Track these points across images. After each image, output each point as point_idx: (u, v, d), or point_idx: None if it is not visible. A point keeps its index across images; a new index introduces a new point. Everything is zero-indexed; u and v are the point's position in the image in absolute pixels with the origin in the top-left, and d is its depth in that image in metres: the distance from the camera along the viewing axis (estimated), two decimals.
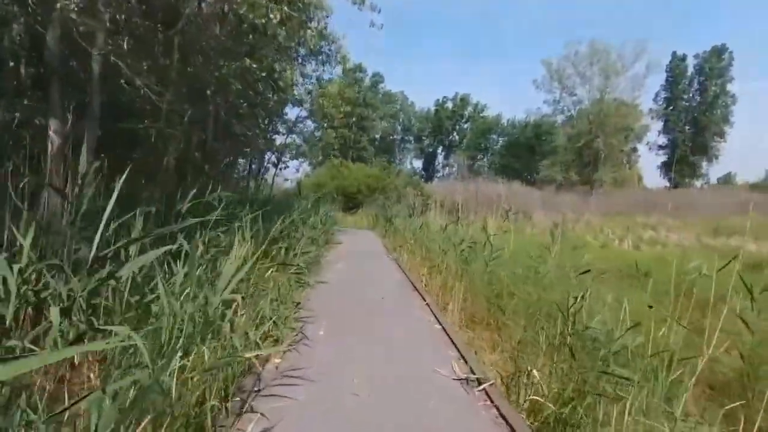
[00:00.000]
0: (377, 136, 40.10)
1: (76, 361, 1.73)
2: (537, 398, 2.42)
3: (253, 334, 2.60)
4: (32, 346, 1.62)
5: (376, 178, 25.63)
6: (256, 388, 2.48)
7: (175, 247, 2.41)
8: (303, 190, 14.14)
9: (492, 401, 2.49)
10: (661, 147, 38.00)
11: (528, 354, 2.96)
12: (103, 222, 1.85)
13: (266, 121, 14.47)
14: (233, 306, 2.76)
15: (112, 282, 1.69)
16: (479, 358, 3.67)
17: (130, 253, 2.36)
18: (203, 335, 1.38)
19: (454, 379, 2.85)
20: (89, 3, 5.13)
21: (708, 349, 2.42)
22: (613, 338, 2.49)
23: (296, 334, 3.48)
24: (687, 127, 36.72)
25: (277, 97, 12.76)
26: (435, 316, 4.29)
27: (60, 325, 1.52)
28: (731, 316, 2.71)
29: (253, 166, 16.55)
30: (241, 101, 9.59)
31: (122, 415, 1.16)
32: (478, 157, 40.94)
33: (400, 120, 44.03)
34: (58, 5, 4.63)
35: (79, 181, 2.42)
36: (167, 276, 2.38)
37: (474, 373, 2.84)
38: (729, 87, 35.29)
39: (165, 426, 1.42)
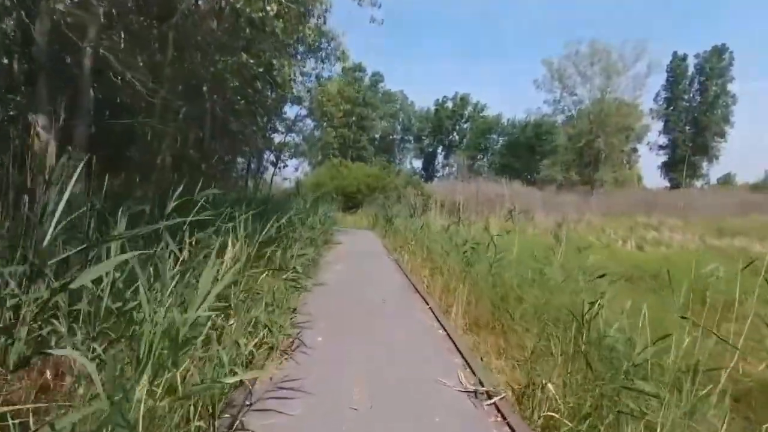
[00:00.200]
0: (377, 136, 39.90)
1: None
2: (553, 414, 2.23)
3: (245, 342, 2.41)
4: None
5: (375, 177, 25.43)
6: (247, 402, 2.29)
7: (148, 251, 2.22)
8: (302, 190, 13.95)
9: (503, 417, 2.31)
10: (661, 147, 37.90)
11: (540, 363, 2.76)
12: (53, 223, 1.65)
13: (265, 120, 14.28)
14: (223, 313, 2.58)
15: (61, 295, 1.49)
16: (485, 364, 3.49)
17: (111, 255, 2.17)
18: (174, 358, 1.20)
19: (460, 390, 2.66)
20: None
21: (734, 358, 2.24)
22: (634, 348, 2.30)
23: (292, 341, 3.29)
24: (687, 127, 36.59)
25: (275, 94, 12.57)
26: (438, 321, 4.10)
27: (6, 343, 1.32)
28: (753, 322, 2.53)
29: (252, 166, 16.37)
30: (238, 98, 9.39)
31: None
32: (478, 157, 40.76)
33: (400, 120, 43.83)
34: None
35: (47, 177, 2.22)
36: (152, 281, 2.19)
37: (482, 385, 2.65)
38: (729, 87, 35.23)
39: None
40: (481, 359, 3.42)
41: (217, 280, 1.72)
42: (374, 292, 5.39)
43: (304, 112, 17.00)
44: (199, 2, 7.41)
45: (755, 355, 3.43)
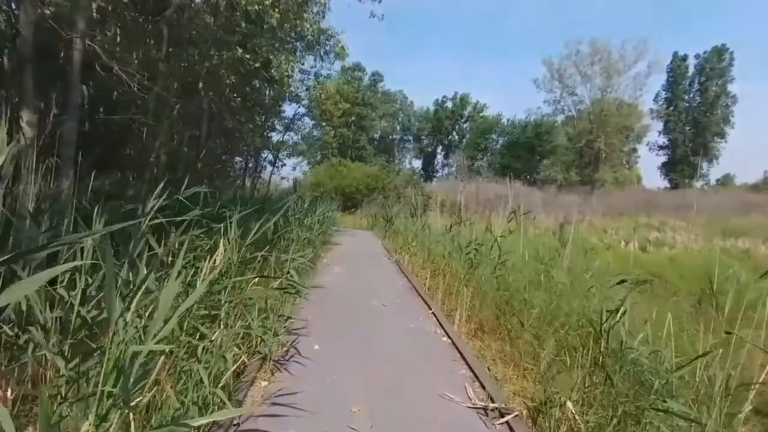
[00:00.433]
0: (376, 136, 39.68)
1: None
2: None
3: (234, 355, 2.20)
4: None
5: (375, 177, 25.22)
6: (235, 422, 2.07)
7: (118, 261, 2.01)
8: (300, 190, 13.72)
9: None
10: (661, 147, 37.78)
11: (554, 375, 2.56)
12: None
13: (263, 118, 14.07)
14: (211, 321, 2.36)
15: None
16: (493, 374, 3.29)
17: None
18: (125, 396, 1.00)
19: (469, 407, 2.46)
20: None
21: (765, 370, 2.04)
22: (661, 361, 2.10)
23: (287, 350, 3.08)
24: (687, 128, 36.48)
25: (273, 92, 12.35)
26: (442, 327, 3.89)
27: None
28: None
29: (250, 165, 16.16)
30: (235, 95, 9.17)
31: None
32: (478, 157, 40.57)
33: (399, 119, 43.62)
34: None
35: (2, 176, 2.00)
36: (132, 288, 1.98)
37: (493, 401, 2.44)
38: (729, 87, 35.14)
39: None
40: (489, 369, 3.22)
41: (187, 294, 1.51)
42: (374, 296, 5.18)
43: (302, 110, 16.80)
44: None
45: None
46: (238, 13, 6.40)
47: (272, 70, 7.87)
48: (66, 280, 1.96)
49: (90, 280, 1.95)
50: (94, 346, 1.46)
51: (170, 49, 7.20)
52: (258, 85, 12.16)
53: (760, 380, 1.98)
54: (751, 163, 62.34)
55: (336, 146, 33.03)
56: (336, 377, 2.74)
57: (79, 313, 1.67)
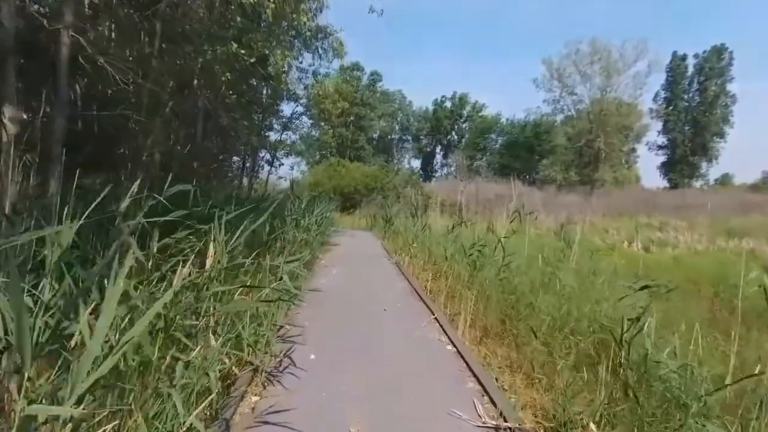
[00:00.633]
0: (375, 136, 39.47)
1: None
2: None
3: (219, 372, 1.99)
4: None
5: (374, 177, 25.01)
6: None
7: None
8: (298, 189, 13.51)
9: None
10: (660, 147, 37.72)
11: (572, 391, 2.35)
12: None
13: (261, 118, 13.85)
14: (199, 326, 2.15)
15: None
16: (500, 382, 3.09)
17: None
18: None
19: (479, 426, 2.25)
20: None
21: None
22: (690, 376, 1.90)
23: (280, 361, 2.87)
24: (687, 128, 36.42)
25: (270, 90, 12.13)
26: (446, 334, 3.68)
27: None
28: None
29: (247, 164, 15.94)
30: (231, 93, 8.95)
31: None
32: (477, 157, 40.42)
33: (398, 119, 43.42)
34: None
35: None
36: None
37: (505, 419, 2.23)
38: (729, 87, 35.09)
39: None
40: (497, 379, 3.02)
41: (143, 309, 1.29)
42: (374, 300, 4.97)
43: (300, 109, 16.59)
44: None
45: None
46: (233, 7, 6.19)
47: (269, 67, 7.66)
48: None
49: (57, 287, 1.74)
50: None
51: (163, 45, 6.98)
52: (255, 84, 11.94)
53: None
54: (751, 163, 62.45)
55: (335, 146, 32.81)
56: (333, 391, 2.53)
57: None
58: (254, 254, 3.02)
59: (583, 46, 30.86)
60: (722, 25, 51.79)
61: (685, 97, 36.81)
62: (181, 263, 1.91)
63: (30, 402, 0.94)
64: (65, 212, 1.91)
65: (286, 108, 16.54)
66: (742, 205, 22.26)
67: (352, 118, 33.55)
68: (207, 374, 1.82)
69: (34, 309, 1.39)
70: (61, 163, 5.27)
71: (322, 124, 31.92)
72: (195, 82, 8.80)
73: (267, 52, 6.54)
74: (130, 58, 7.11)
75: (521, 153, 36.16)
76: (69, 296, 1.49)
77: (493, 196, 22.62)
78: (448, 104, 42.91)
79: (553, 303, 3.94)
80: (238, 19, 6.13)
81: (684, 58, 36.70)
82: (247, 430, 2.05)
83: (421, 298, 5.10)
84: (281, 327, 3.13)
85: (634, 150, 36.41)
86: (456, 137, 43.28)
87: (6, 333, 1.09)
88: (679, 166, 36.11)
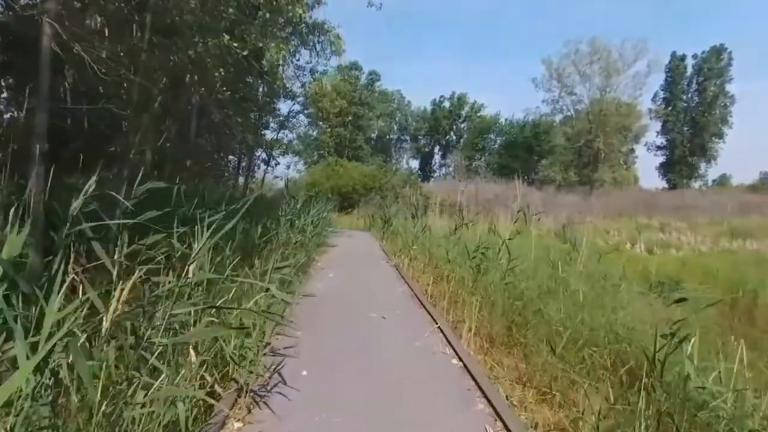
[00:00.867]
0: (373, 136, 39.18)
1: None
2: None
3: (191, 401, 1.71)
4: None
5: (372, 177, 24.72)
6: None
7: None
8: (294, 189, 13.22)
9: None
10: (659, 148, 37.64)
11: (599, 417, 2.08)
12: None
13: (257, 116, 13.55)
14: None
15: None
16: (510, 399, 2.84)
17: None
18: None
19: None
20: None
21: None
22: (740, 404, 1.64)
23: (269, 377, 2.59)
24: (685, 128, 36.35)
25: (266, 88, 11.83)
26: (451, 346, 3.41)
27: None
28: None
29: (243, 163, 15.64)
30: (225, 89, 8.66)
31: None
32: (476, 157, 40.23)
33: (397, 119, 43.16)
34: None
35: None
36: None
37: None
38: (728, 87, 35.04)
39: None
40: (508, 398, 2.75)
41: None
42: (372, 306, 4.70)
43: (297, 107, 16.31)
44: None
45: None
46: None
47: (263, 60, 7.38)
48: None
49: None
50: None
51: (153, 39, 6.69)
52: (251, 81, 11.64)
53: None
54: (750, 163, 62.64)
55: (332, 145, 32.50)
56: (327, 417, 2.25)
57: None
58: (234, 262, 2.73)
59: (582, 46, 30.75)
60: (722, 25, 51.86)
61: (684, 97, 36.74)
62: (135, 274, 1.63)
63: None
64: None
65: (283, 106, 16.27)
66: (741, 206, 22.17)
67: (350, 118, 33.25)
68: (174, 404, 1.53)
69: None
70: (43, 161, 4.99)
71: (320, 123, 31.62)
72: (188, 77, 8.51)
73: (261, 45, 6.25)
74: (122, 54, 6.81)
75: (520, 153, 35.98)
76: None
77: (492, 197, 22.41)
78: (447, 104, 42.70)
79: (564, 310, 3.68)
80: (230, 10, 5.84)
81: (683, 58, 36.64)
82: None
83: (423, 305, 4.83)
84: (268, 343, 2.84)
85: (632, 151, 36.35)
86: (454, 137, 43.07)
87: None
88: (678, 166, 36.04)
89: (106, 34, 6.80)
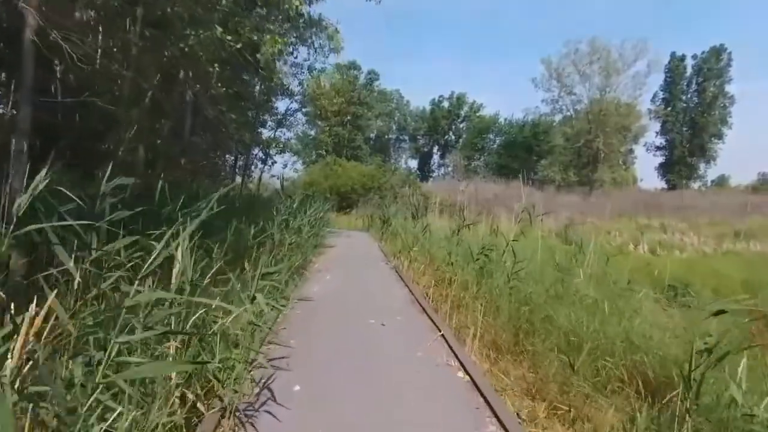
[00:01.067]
0: (372, 135, 38.94)
1: None
2: None
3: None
4: None
5: (371, 176, 24.50)
6: None
7: None
8: (291, 188, 12.97)
9: None
10: (658, 148, 37.56)
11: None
12: None
13: (254, 114, 13.31)
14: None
15: None
16: (516, 409, 2.62)
17: None
18: None
19: None
20: None
21: None
22: None
23: (258, 392, 2.36)
24: (685, 129, 36.28)
25: (263, 85, 11.59)
26: (456, 358, 3.18)
27: None
28: None
29: (240, 162, 15.39)
30: (219, 85, 8.41)
31: None
32: (475, 157, 40.05)
33: (396, 119, 42.94)
34: None
35: None
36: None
37: None
38: (727, 88, 34.99)
39: None
40: (518, 415, 2.53)
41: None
42: (371, 311, 4.47)
43: (295, 106, 16.07)
44: None
45: None
46: None
47: (258, 54, 7.14)
48: None
49: None
50: None
51: (145, 32, 6.44)
52: (248, 78, 11.41)
53: None
54: (750, 163, 62.70)
55: (331, 145, 32.25)
56: None
57: None
58: (216, 268, 2.49)
59: (582, 46, 30.64)
60: (722, 25, 51.84)
61: (684, 98, 36.68)
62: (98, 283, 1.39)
63: None
64: None
65: (281, 104, 16.03)
66: (741, 207, 22.07)
67: (348, 117, 33.01)
68: None
69: None
70: (28, 159, 4.74)
71: (319, 122, 31.37)
72: (181, 73, 8.26)
73: (255, 38, 6.02)
74: (114, 49, 6.57)
75: (519, 153, 35.82)
76: None
77: (492, 197, 22.24)
78: (446, 104, 42.51)
79: (575, 317, 3.47)
80: (224, 1, 5.61)
81: (683, 58, 36.57)
82: None
83: (424, 310, 4.60)
84: (256, 355, 2.61)
85: (631, 151, 36.27)
86: (453, 137, 42.89)
87: None
88: (677, 167, 35.97)
89: (100, 29, 6.56)
